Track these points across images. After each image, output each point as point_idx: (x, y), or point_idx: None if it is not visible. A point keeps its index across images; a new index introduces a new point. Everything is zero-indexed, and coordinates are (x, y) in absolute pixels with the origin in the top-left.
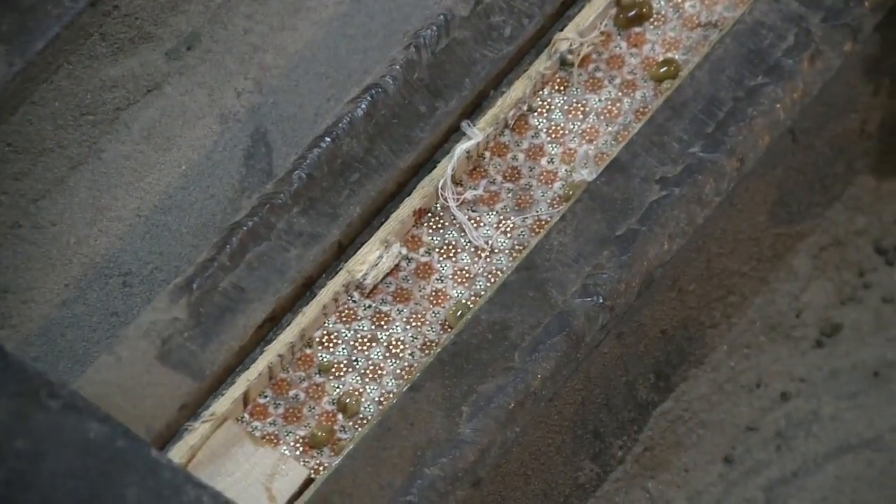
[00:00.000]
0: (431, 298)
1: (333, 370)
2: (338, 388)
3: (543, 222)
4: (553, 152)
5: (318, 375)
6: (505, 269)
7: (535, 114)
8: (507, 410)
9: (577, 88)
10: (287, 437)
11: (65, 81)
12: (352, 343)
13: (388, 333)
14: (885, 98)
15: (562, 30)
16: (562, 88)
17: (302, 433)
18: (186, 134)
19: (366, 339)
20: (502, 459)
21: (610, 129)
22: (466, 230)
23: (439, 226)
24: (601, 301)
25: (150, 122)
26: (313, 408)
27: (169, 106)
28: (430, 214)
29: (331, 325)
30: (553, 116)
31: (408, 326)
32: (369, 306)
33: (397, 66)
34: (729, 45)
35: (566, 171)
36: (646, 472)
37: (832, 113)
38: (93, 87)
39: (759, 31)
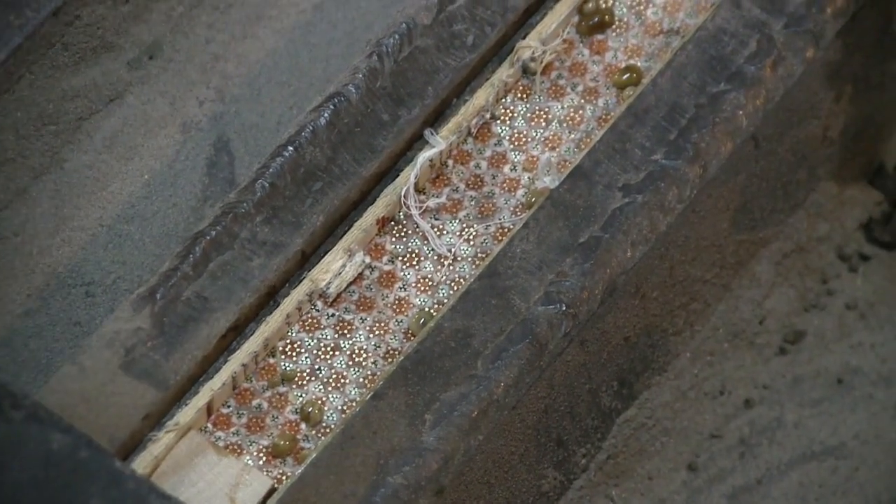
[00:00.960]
0: (395, 307)
1: (296, 379)
2: (301, 397)
3: (506, 230)
4: (516, 160)
5: (281, 385)
6: (468, 277)
7: (498, 122)
8: (469, 418)
9: (539, 96)
10: (250, 447)
11: (27, 91)
12: (315, 352)
13: (351, 342)
14: (847, 104)
15: (524, 38)
16: (524, 96)
17: (265, 443)
18: (148, 143)
19: (329, 348)
20: (465, 468)
21: (572, 136)
22: (429, 238)
23: (402, 234)
24: (564, 308)
25: (113, 131)
26: (276, 417)
27: (131, 115)
28: (393, 223)
29: (294, 335)
30: (516, 124)
31: (371, 335)
32: (332, 315)
33: (360, 75)
34: (691, 51)
35: (529, 178)
36: (609, 480)
37: (794, 119)
38: (55, 97)
39: (722, 37)
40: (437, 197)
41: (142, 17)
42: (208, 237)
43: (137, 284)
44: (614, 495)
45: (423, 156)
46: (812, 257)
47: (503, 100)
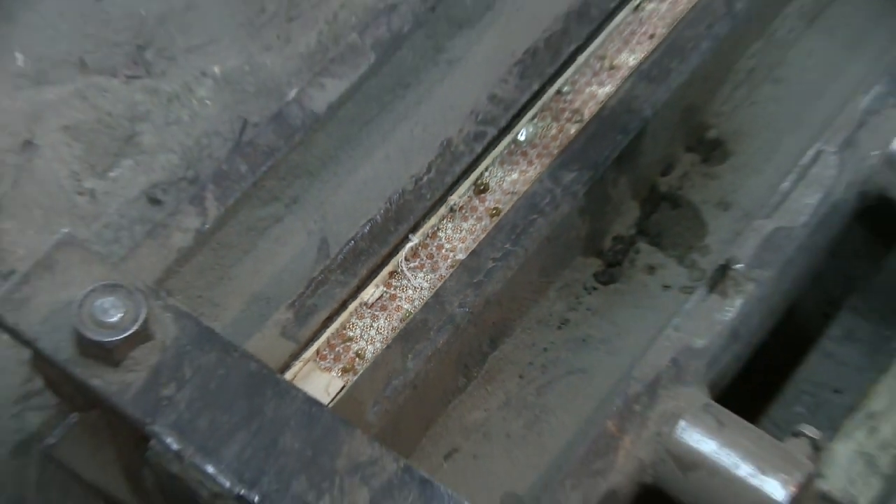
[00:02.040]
0: None
1: (355, 340)
2: (356, 347)
3: None
4: None
5: (347, 342)
6: None
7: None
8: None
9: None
10: (333, 370)
11: None
12: (365, 337)
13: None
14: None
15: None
16: None
17: (340, 367)
18: None
19: (373, 329)
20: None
21: None
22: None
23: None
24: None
25: None
26: (343, 357)
27: None
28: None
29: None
30: None
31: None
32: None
33: None
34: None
35: None
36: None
37: (558, 234)
38: None
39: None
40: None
41: None
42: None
43: None
44: None
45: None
46: (573, 288)
47: None
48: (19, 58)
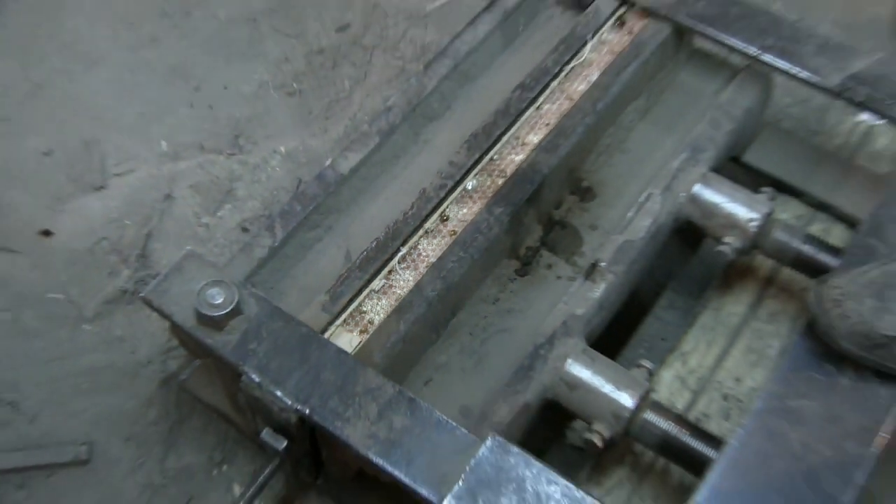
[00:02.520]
0: None
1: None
2: (371, 313)
3: None
4: None
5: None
6: None
7: None
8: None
9: None
10: (353, 332)
11: None
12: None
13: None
14: None
15: None
16: None
17: (359, 330)
18: None
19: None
20: None
21: None
22: None
23: None
24: None
25: None
26: (360, 323)
27: None
28: None
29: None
30: None
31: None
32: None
33: None
34: None
35: None
36: None
37: None
38: None
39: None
40: None
41: None
42: None
43: None
44: None
45: None
46: (501, 279)
47: None
48: (164, 144)
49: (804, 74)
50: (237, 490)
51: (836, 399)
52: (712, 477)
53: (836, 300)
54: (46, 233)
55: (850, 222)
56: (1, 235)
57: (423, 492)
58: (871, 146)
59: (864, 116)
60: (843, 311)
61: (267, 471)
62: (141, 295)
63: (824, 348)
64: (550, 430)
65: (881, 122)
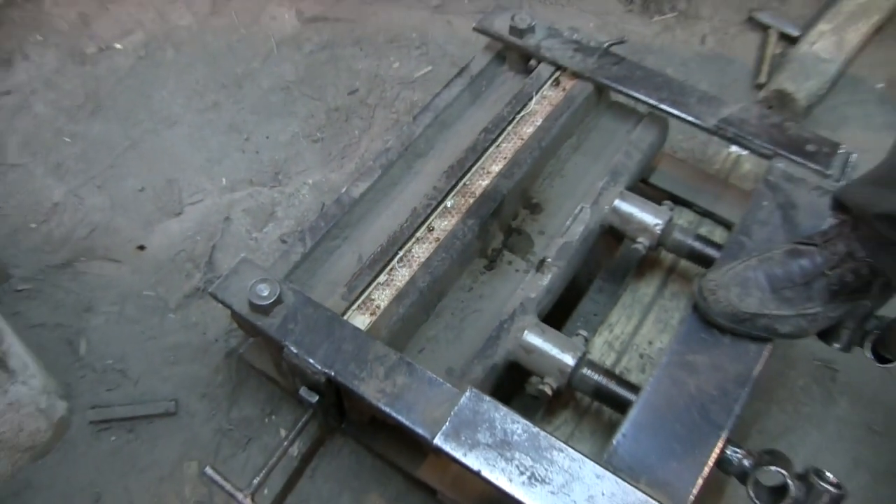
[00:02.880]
0: None
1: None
2: (376, 301)
3: None
4: None
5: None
6: None
7: None
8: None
9: None
10: (364, 315)
11: None
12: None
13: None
14: None
15: None
16: None
17: (369, 314)
18: None
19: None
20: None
21: None
22: None
23: None
24: None
25: None
26: (370, 307)
27: None
28: None
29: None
30: None
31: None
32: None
33: None
34: None
35: None
36: None
37: None
38: None
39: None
40: None
41: None
42: None
43: None
44: None
45: None
46: (473, 273)
47: None
48: (224, 180)
49: (689, 118)
50: (283, 433)
51: (720, 354)
52: (633, 414)
53: (712, 290)
54: (141, 247)
55: (727, 225)
56: (109, 250)
57: (420, 431)
58: (739, 170)
59: (734, 148)
60: (716, 297)
61: (304, 418)
62: (209, 290)
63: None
64: (513, 384)
65: (745, 152)
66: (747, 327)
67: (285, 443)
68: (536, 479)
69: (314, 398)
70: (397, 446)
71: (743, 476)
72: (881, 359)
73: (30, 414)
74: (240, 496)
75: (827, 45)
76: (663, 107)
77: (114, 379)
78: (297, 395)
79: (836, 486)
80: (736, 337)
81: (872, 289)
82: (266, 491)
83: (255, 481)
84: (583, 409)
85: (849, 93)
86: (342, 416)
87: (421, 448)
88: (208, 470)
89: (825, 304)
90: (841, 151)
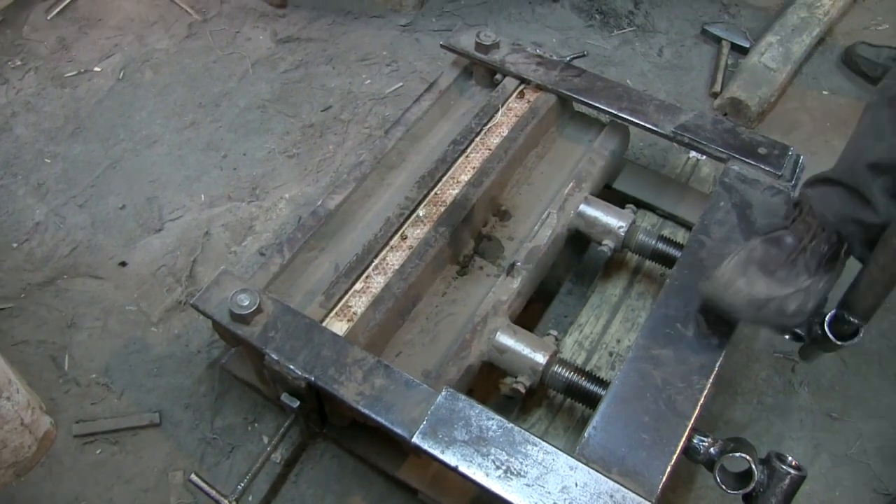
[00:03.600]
0: None
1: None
2: (352, 309)
3: None
4: None
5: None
6: None
7: None
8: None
9: None
10: (341, 321)
11: None
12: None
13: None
14: None
15: None
16: None
17: (346, 320)
18: None
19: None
20: None
21: None
22: None
23: None
24: None
25: None
26: (348, 314)
27: None
28: None
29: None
30: None
31: None
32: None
33: None
34: None
35: None
36: None
37: None
38: None
39: None
40: None
41: None
42: None
43: None
44: None
45: None
46: (446, 278)
47: None
48: (203, 196)
49: (648, 125)
50: (266, 440)
51: (684, 347)
52: (602, 407)
53: (727, 284)
54: (123, 263)
55: (688, 227)
56: (91, 267)
57: (399, 430)
58: (698, 174)
59: (693, 154)
60: (735, 289)
61: (286, 424)
62: (191, 303)
63: (674, 313)
64: (488, 385)
65: (703, 157)
66: (765, 314)
67: (268, 449)
68: (512, 473)
69: (295, 403)
70: (378, 448)
71: (710, 463)
72: (841, 336)
73: (14, 429)
74: (225, 502)
75: (775, 55)
76: (623, 115)
77: (98, 392)
78: (279, 402)
79: (797, 468)
80: (699, 331)
81: (843, 255)
82: (251, 497)
83: (240, 487)
84: (556, 406)
85: (797, 99)
86: (323, 420)
87: (401, 449)
88: (193, 477)
89: (811, 276)
90: (791, 153)
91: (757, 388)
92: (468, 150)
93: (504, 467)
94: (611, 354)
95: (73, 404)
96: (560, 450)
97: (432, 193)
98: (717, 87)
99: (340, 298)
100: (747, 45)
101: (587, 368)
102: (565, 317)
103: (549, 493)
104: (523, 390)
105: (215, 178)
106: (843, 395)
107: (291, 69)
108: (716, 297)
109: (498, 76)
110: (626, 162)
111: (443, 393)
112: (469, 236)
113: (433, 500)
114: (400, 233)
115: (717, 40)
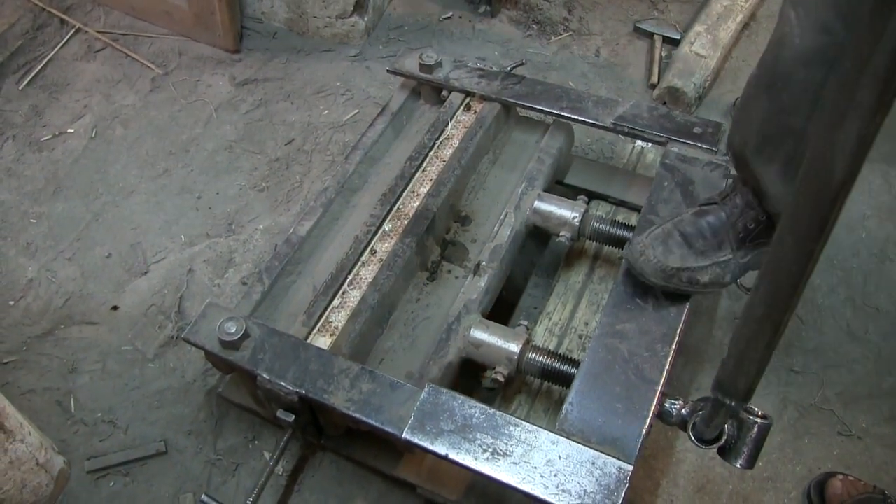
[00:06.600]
0: None
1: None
2: (336, 317)
3: None
4: None
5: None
6: None
7: None
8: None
9: None
10: (323, 336)
11: None
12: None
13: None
14: None
15: None
16: None
17: (329, 334)
18: None
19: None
20: None
21: None
22: None
23: None
24: None
25: None
26: (329, 329)
27: None
28: None
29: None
30: None
31: None
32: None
33: None
34: None
35: None
36: None
37: None
38: None
39: None
40: None
41: None
42: None
43: None
44: None
45: None
46: (418, 285)
47: None
48: (183, 237)
49: (588, 120)
50: (267, 455)
51: (645, 319)
52: (576, 384)
53: (641, 251)
54: (115, 308)
55: (639, 210)
56: (85, 314)
57: (389, 429)
58: (644, 161)
59: (637, 143)
60: (646, 257)
61: (285, 438)
62: (182, 336)
63: (633, 289)
64: (469, 380)
65: (648, 145)
66: (675, 282)
67: (271, 463)
68: (499, 454)
69: (291, 418)
70: (374, 451)
71: (683, 424)
72: (702, 440)
73: (31, 469)
74: None
75: (704, 43)
76: (564, 114)
77: (105, 430)
78: (276, 419)
79: (763, 416)
80: (658, 302)
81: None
82: None
83: (248, 502)
84: (534, 391)
85: (730, 82)
86: (319, 431)
87: (395, 449)
88: (204, 497)
89: (734, 251)
90: (724, 130)
91: (722, 353)
92: (424, 165)
93: (491, 450)
94: (580, 337)
95: (83, 443)
96: (541, 427)
97: (395, 208)
98: (655, 79)
99: (321, 315)
100: (678, 37)
101: (559, 352)
102: (535, 308)
103: (536, 467)
104: (502, 379)
105: (192, 218)
106: (802, 349)
107: (253, 109)
108: (630, 263)
109: (444, 93)
110: (575, 158)
111: (426, 389)
112: (434, 244)
113: (431, 492)
114: (369, 248)
115: (650, 35)
